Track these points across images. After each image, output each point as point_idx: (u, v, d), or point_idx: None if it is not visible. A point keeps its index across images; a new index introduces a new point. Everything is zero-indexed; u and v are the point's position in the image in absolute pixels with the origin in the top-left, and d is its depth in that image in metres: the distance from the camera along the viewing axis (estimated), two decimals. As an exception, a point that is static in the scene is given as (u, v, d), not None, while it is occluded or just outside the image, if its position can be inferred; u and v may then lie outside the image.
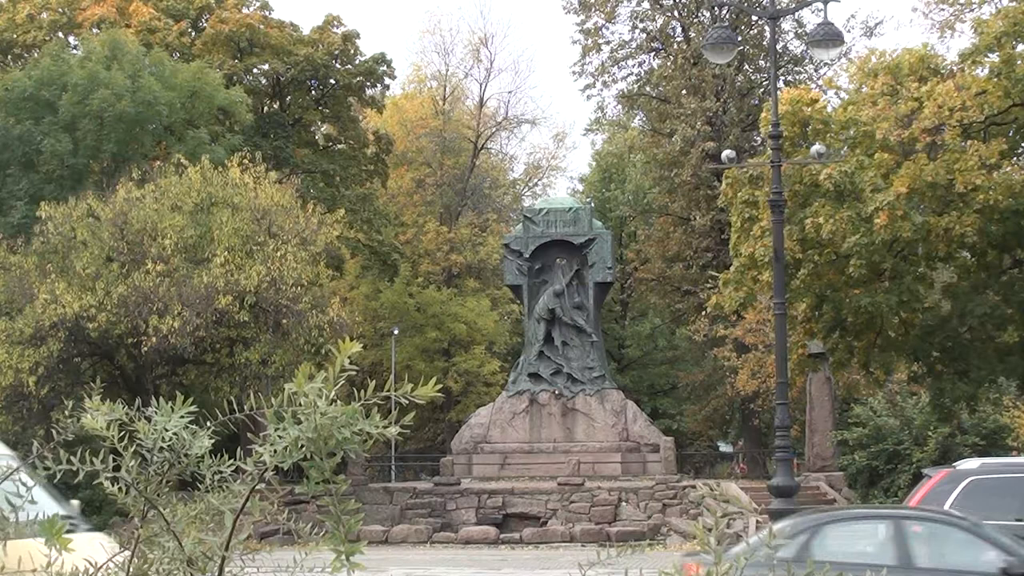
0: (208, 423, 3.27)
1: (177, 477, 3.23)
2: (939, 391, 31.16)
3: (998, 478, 16.04)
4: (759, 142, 48.83)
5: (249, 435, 3.18)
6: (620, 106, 59.68)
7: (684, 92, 51.13)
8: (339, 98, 54.36)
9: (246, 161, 37.47)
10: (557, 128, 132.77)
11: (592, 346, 42.35)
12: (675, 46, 53.64)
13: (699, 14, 53.91)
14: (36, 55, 46.77)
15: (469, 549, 33.27)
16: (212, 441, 3.21)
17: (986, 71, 28.78)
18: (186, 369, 37.22)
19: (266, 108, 54.55)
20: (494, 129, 67.94)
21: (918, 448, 33.48)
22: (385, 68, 54.49)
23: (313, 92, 54.79)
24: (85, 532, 11.16)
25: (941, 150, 27.77)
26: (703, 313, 45.52)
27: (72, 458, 3.23)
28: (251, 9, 53.90)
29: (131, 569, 3.19)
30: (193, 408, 3.15)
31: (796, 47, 53.68)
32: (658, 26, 54.14)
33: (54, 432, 3.50)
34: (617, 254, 53.58)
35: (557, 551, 32.07)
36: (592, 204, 48.63)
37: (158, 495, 3.18)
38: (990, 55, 28.73)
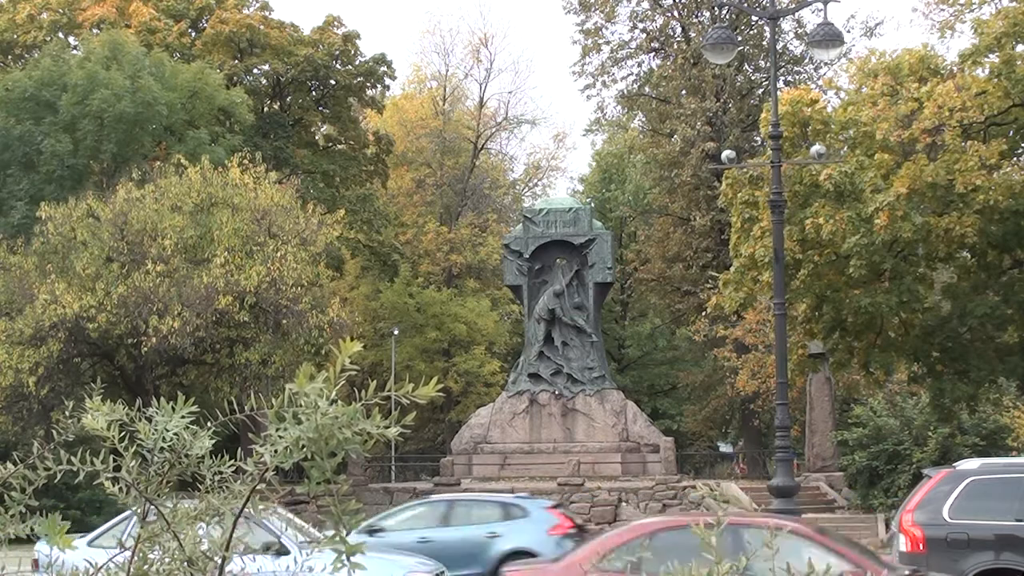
0: (208, 423, 3.27)
1: (177, 477, 3.23)
2: (939, 391, 31.14)
3: (998, 478, 15.98)
4: (759, 142, 48.81)
5: (250, 435, 3.18)
6: (620, 106, 59.69)
7: (684, 92, 51.15)
8: (339, 98, 54.38)
9: (246, 161, 37.44)
10: (557, 128, 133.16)
11: (592, 346, 42.29)
12: (675, 46, 53.66)
13: (699, 14, 53.91)
14: (36, 55, 46.75)
15: (469, 549, 33.20)
16: (212, 441, 3.22)
17: (986, 71, 28.75)
18: (186, 369, 37.19)
19: (266, 108, 54.55)
20: (494, 129, 67.94)
21: (918, 448, 33.48)
22: (385, 68, 54.52)
23: (313, 92, 54.81)
24: None
25: (941, 150, 27.75)
26: (703, 313, 45.49)
27: (72, 458, 3.23)
28: (251, 9, 53.89)
29: (131, 569, 3.19)
30: (193, 408, 3.16)
31: (796, 47, 53.72)
32: (658, 26, 54.18)
33: (54, 432, 3.50)
34: (617, 254, 53.54)
35: (557, 551, 32.01)
36: (592, 204, 48.59)
37: (158, 495, 3.19)
38: (990, 55, 28.70)
